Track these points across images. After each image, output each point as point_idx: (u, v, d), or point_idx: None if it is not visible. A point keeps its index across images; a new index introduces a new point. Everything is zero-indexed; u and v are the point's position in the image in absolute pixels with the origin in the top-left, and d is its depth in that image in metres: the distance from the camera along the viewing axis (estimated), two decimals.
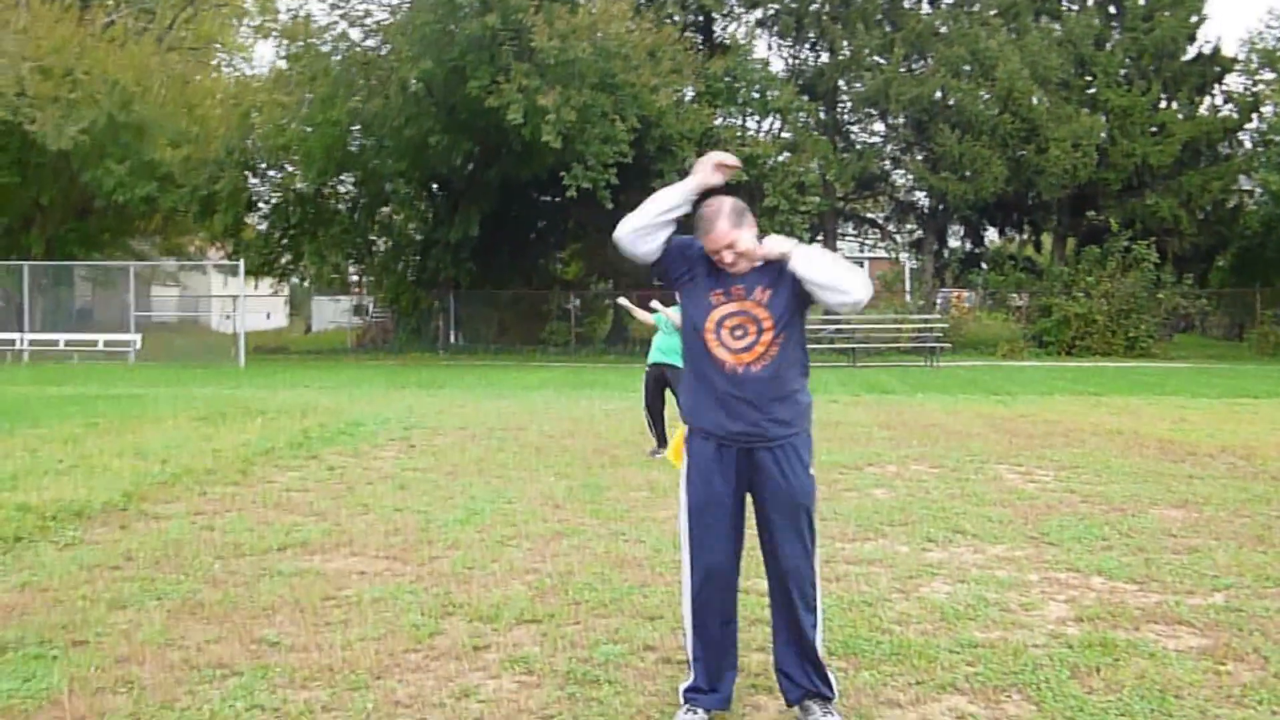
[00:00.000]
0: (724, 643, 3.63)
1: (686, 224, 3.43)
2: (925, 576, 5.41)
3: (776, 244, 3.49)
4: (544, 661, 4.13)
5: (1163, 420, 12.57)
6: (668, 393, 9.78)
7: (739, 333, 3.51)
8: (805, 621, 3.59)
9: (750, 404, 3.51)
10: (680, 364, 9.02)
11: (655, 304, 10.04)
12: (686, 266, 3.60)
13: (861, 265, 48.67)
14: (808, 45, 32.69)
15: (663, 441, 9.65)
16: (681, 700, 3.61)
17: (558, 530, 6.43)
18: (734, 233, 3.45)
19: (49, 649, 4.20)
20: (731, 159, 3.51)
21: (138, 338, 26.87)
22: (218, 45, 38.13)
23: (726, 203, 3.50)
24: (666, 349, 9.70)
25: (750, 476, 3.58)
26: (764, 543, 3.64)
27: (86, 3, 31.06)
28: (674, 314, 9.56)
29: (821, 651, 3.64)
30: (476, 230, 28.78)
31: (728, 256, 3.47)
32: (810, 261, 3.47)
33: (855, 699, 3.77)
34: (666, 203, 3.53)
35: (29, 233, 32.12)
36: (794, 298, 3.52)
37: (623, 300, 10.54)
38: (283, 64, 29.39)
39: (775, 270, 3.51)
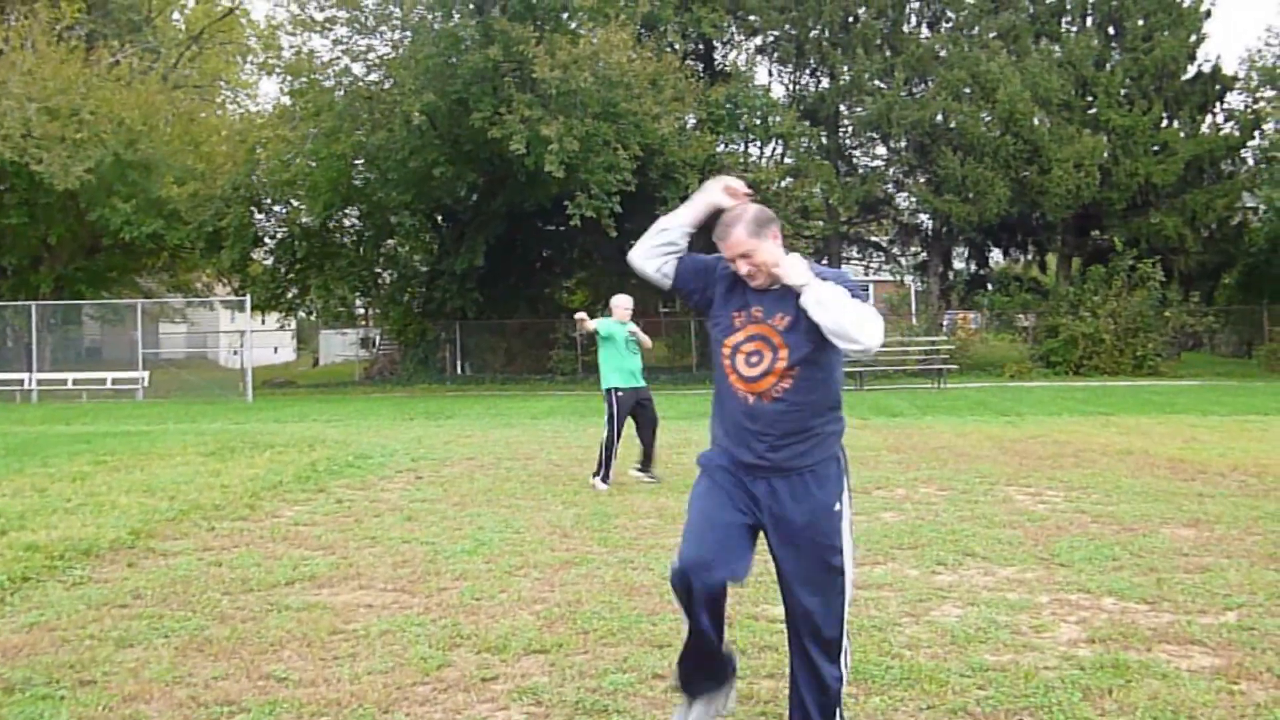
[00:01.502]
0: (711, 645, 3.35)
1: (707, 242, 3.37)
2: (935, 600, 5.38)
3: (791, 270, 3.26)
4: (553, 692, 4.11)
5: (1172, 439, 12.52)
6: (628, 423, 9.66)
7: (754, 359, 3.30)
8: (825, 673, 3.31)
9: (759, 437, 3.29)
10: (636, 385, 8.96)
11: (580, 315, 9.95)
12: (700, 284, 3.44)
13: (867, 289, 48.81)
14: (808, 71, 32.89)
15: (608, 471, 9.52)
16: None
17: (566, 559, 6.41)
18: (751, 242, 3.27)
19: (56, 689, 4.19)
20: (740, 186, 3.42)
21: (146, 375, 26.95)
22: (222, 82, 38.45)
23: (750, 210, 3.32)
24: (625, 370, 9.56)
25: (764, 506, 3.32)
26: (780, 581, 3.39)
27: (92, 43, 31.37)
28: (607, 323, 9.55)
29: (840, 711, 3.41)
30: (482, 260, 28.87)
31: (743, 267, 3.29)
32: (819, 305, 3.18)
33: None
34: (667, 223, 3.47)
35: (37, 272, 32.29)
36: (817, 330, 3.22)
37: (578, 315, 10.21)
38: (287, 100, 29.61)
39: (796, 297, 3.26)
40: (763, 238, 3.28)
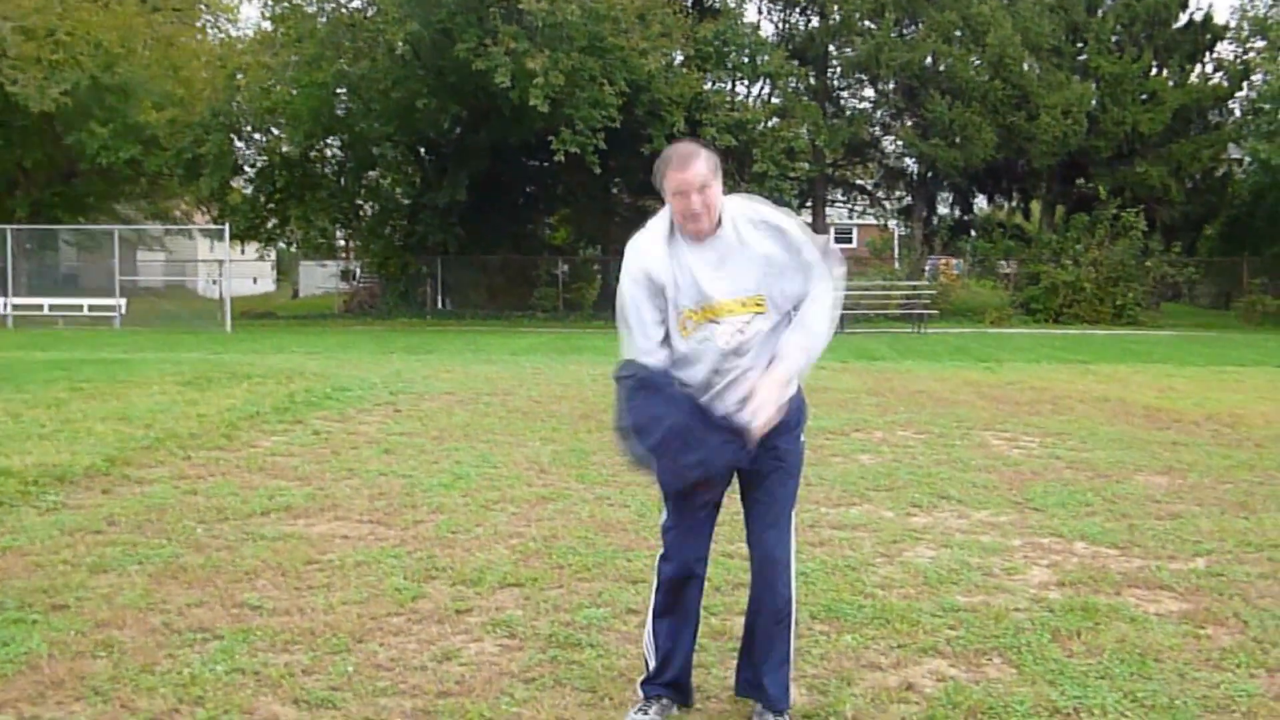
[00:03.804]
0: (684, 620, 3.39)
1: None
2: (909, 541, 5.42)
3: (764, 404, 3.10)
4: (526, 625, 4.13)
5: (1149, 388, 12.61)
6: None
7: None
8: (781, 594, 3.30)
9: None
10: None
11: None
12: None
13: (850, 233, 48.77)
14: (798, 9, 32.54)
15: None
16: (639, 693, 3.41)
17: (542, 495, 6.42)
18: (710, 177, 3.09)
19: (29, 613, 4.18)
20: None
21: (123, 302, 26.71)
22: (203, 6, 37.63)
23: (702, 148, 3.16)
24: None
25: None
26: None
27: None
28: None
29: (792, 668, 3.37)
30: (465, 195, 28.64)
31: (696, 203, 3.09)
32: (797, 374, 3.20)
33: (837, 662, 3.77)
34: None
35: (13, 196, 31.83)
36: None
37: None
38: (268, 25, 29.10)
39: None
40: (717, 178, 3.14)
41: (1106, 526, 5.72)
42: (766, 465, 3.25)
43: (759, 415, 3.10)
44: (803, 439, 3.38)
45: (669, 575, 3.34)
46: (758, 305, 3.17)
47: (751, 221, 3.18)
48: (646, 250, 3.22)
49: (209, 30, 37.12)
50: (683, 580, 3.33)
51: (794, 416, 3.29)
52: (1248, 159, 31.43)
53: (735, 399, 3.17)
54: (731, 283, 3.16)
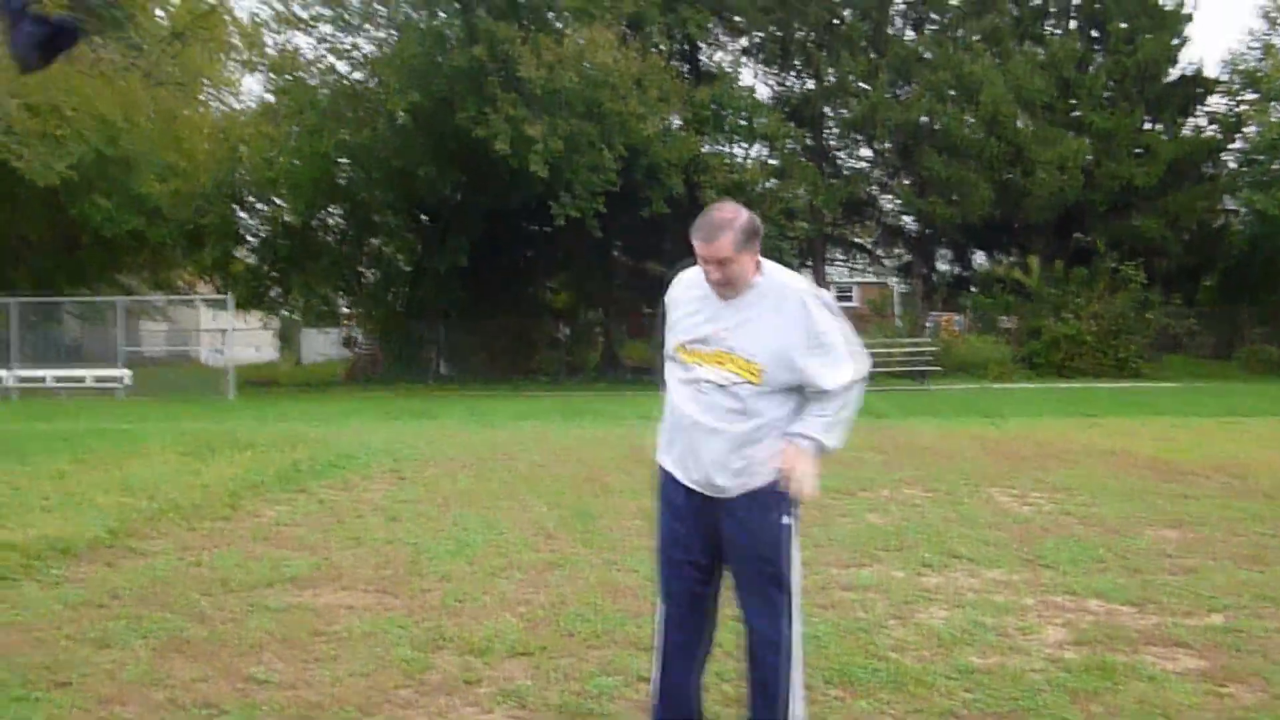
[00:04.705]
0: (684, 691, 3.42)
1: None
2: (921, 602, 5.36)
3: (804, 477, 3.22)
4: (537, 695, 4.07)
5: (1155, 440, 12.56)
6: None
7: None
8: (773, 692, 3.28)
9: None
10: None
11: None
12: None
13: (850, 291, 49.09)
14: (793, 72, 32.89)
15: None
16: None
17: (549, 560, 6.37)
18: (734, 254, 3.16)
19: (32, 690, 4.13)
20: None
21: (127, 373, 26.68)
22: (205, 80, 38.12)
23: (743, 218, 3.19)
24: None
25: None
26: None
27: None
28: None
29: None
30: (465, 260, 28.75)
31: (714, 273, 3.20)
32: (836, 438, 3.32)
33: None
34: None
35: (16, 268, 32.00)
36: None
37: None
38: (270, 97, 29.45)
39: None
40: (745, 251, 3.19)
41: (1120, 583, 5.65)
42: (742, 542, 3.28)
43: (805, 487, 3.20)
44: (787, 521, 3.30)
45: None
46: (751, 371, 3.17)
47: (795, 305, 3.23)
48: (681, 281, 3.43)
49: (211, 103, 37.56)
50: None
51: (772, 498, 3.26)
52: (1243, 209, 31.60)
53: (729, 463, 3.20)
54: (736, 339, 3.18)
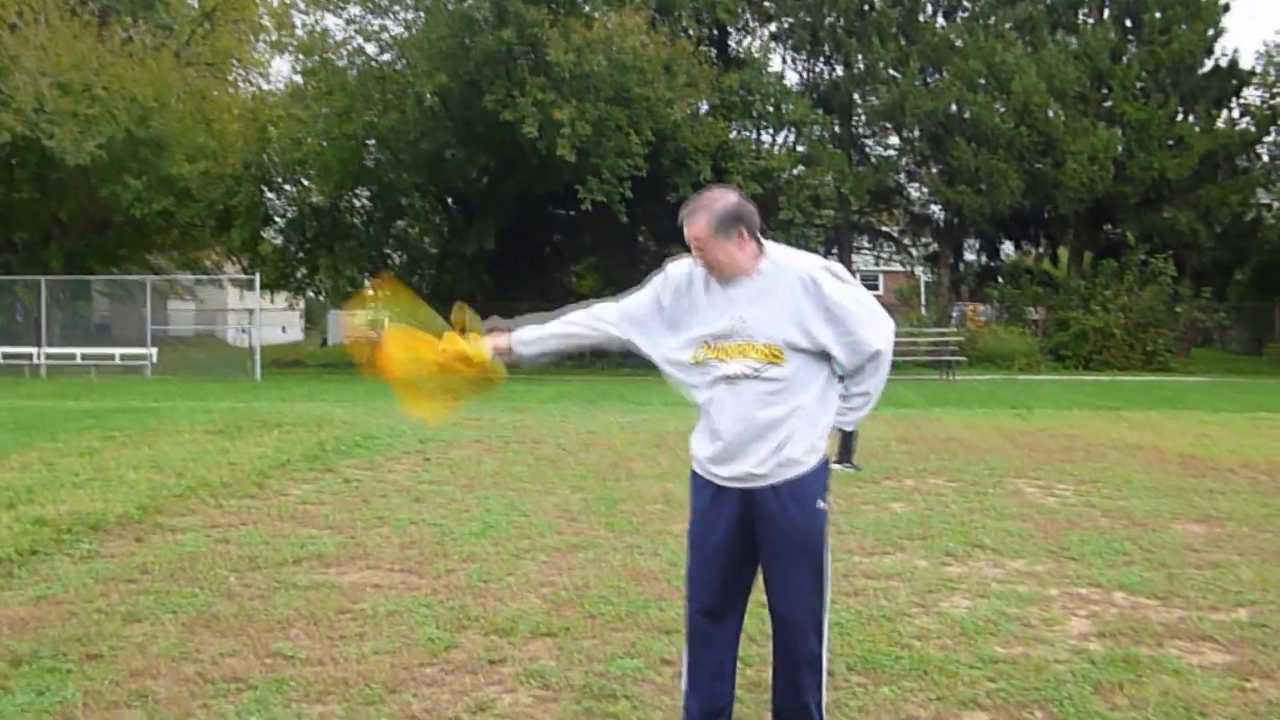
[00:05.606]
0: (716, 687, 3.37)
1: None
2: (945, 591, 5.36)
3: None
4: (560, 675, 4.10)
5: (1183, 435, 12.47)
6: None
7: None
8: (804, 680, 3.26)
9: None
10: None
11: None
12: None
13: (876, 279, 48.87)
14: (823, 59, 32.72)
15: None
16: None
17: (573, 543, 6.40)
18: (707, 237, 3.14)
19: (63, 662, 4.19)
20: None
21: (154, 351, 26.92)
22: (235, 61, 38.29)
23: (728, 201, 3.16)
24: None
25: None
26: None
27: (105, 19, 31.24)
28: None
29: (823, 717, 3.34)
30: (492, 244, 28.80)
31: (696, 254, 3.19)
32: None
33: (875, 715, 3.72)
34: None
35: (47, 247, 32.26)
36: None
37: None
38: (299, 79, 29.56)
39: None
40: (723, 238, 3.14)
41: (1145, 576, 5.63)
42: (780, 528, 3.23)
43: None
44: (823, 506, 3.28)
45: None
46: (774, 355, 3.16)
47: (803, 281, 3.19)
48: (674, 269, 3.35)
49: (241, 84, 37.75)
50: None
51: (811, 485, 3.25)
52: (1277, 203, 31.25)
53: (766, 451, 3.17)
54: (753, 328, 3.17)
